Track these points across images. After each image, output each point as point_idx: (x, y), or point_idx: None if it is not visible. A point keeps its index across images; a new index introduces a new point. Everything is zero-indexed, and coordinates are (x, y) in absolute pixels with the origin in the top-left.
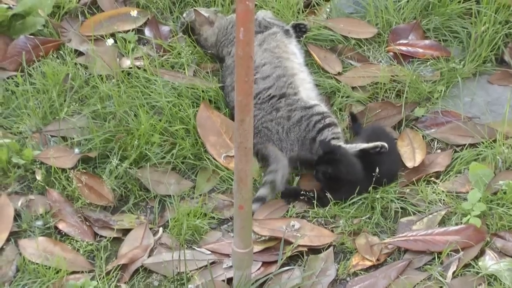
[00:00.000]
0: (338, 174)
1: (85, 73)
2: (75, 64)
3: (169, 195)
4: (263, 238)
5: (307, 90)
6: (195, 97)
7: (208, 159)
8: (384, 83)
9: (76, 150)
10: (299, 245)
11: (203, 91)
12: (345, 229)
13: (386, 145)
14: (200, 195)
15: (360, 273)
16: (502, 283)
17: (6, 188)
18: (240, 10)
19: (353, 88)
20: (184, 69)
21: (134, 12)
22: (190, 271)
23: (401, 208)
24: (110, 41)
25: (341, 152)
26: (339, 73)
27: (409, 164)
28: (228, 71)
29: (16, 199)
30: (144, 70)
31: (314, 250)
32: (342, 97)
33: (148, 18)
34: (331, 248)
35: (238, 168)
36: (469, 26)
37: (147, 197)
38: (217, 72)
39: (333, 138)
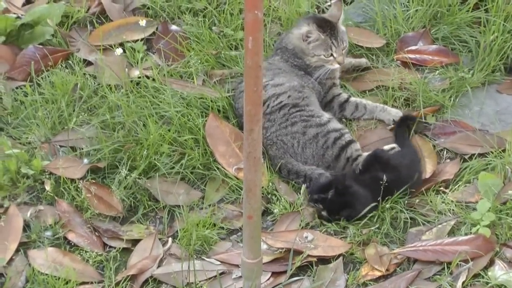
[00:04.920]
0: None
1: (94, 83)
2: (84, 74)
3: (178, 205)
4: (279, 250)
5: (319, 110)
6: (204, 106)
7: (218, 169)
8: (394, 90)
9: (85, 160)
10: (309, 255)
11: (212, 101)
12: (354, 239)
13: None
14: (209, 205)
15: (370, 283)
16: None
17: (15, 198)
18: (248, 19)
19: (363, 92)
20: (192, 79)
21: (142, 22)
22: (200, 281)
23: (411, 218)
24: (119, 51)
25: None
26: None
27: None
28: None
29: (25, 209)
30: (153, 79)
31: (324, 261)
32: None
33: (157, 28)
34: (341, 258)
35: (247, 178)
36: (478, 35)
37: (156, 208)
38: (226, 80)
39: (359, 156)
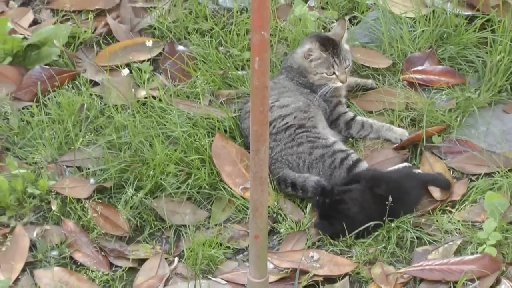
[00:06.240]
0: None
1: (100, 103)
2: (90, 94)
3: (185, 225)
4: (286, 270)
5: (325, 129)
6: (210, 127)
7: (224, 188)
8: (400, 110)
9: (92, 180)
10: (315, 275)
11: (218, 121)
12: (360, 259)
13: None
14: (216, 225)
15: None
16: None
17: (22, 218)
18: (255, 40)
19: (369, 113)
20: (199, 99)
21: (149, 42)
22: None
23: (417, 237)
24: (125, 71)
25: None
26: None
27: (436, 195)
28: None
29: (31, 229)
30: (160, 100)
31: (330, 280)
32: None
33: (164, 48)
34: (347, 277)
35: (254, 198)
36: (485, 55)
37: (162, 227)
38: (232, 101)
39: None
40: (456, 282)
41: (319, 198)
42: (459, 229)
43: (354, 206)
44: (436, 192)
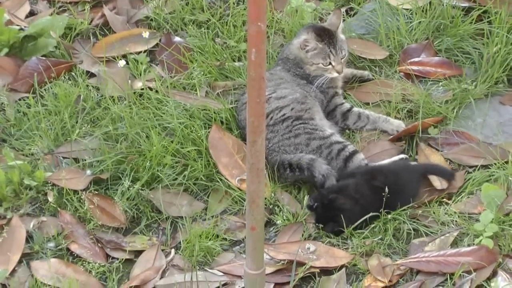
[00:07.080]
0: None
1: (97, 95)
2: (87, 85)
3: (181, 217)
4: (282, 262)
5: (322, 120)
6: (207, 118)
7: (221, 180)
8: (397, 102)
9: (88, 172)
10: (311, 267)
11: (215, 112)
12: (357, 250)
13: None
14: (212, 216)
15: None
16: None
17: (18, 209)
18: (252, 31)
19: (366, 104)
20: (196, 90)
21: (146, 33)
22: None
23: (413, 229)
24: (122, 63)
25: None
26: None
27: (436, 184)
28: None
29: (28, 220)
30: (156, 91)
31: (327, 272)
32: None
33: (160, 39)
34: (344, 269)
35: (250, 189)
36: (481, 47)
37: (159, 219)
38: (229, 92)
39: (366, 165)
40: (452, 274)
41: (317, 205)
42: (456, 221)
43: (353, 200)
44: (436, 181)
